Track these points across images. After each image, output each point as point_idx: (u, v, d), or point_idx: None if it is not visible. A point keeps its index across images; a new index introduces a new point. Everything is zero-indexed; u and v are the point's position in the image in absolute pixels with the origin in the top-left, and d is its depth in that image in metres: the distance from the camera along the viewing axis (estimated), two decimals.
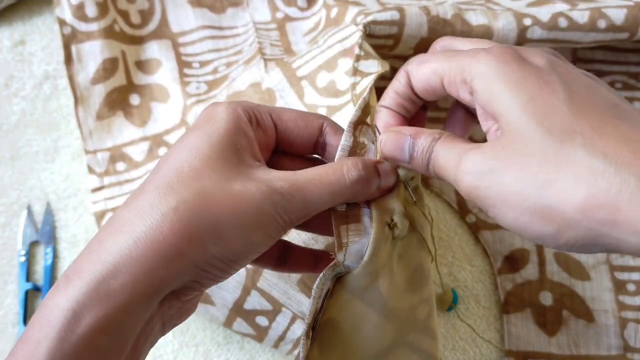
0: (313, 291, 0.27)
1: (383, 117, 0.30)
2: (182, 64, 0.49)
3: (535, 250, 0.44)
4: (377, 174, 0.28)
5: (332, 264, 0.27)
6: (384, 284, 0.28)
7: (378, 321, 0.28)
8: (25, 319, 0.42)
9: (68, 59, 0.47)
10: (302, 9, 0.51)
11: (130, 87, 0.48)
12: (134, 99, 0.48)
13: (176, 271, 0.22)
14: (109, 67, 0.47)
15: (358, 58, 0.36)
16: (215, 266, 0.23)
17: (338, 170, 0.26)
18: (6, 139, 0.48)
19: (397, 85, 0.30)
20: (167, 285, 0.23)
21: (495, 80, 0.24)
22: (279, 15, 0.51)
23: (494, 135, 0.25)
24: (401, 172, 0.30)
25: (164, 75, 0.49)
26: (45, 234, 0.45)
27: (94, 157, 0.46)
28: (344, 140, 0.29)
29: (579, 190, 0.20)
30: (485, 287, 0.44)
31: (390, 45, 0.41)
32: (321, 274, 0.27)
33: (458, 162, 0.25)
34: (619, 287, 0.43)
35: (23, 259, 0.44)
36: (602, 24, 0.41)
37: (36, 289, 0.43)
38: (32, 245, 0.45)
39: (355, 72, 0.34)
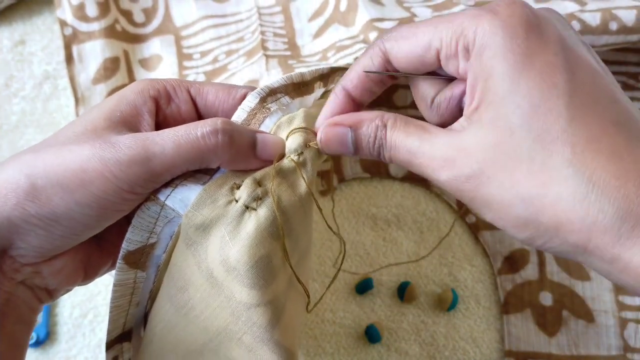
0: (131, 227, 0.25)
1: (332, 103, 0.26)
2: (183, 57, 0.49)
3: (535, 251, 0.44)
4: (249, 138, 0.25)
5: (150, 198, 0.24)
6: (213, 248, 0.24)
7: (205, 290, 0.25)
8: None
9: (69, 60, 0.47)
10: None
11: None
12: None
13: None
14: (110, 67, 0.47)
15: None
16: (35, 225, 0.23)
17: (193, 124, 0.24)
18: (6, 139, 0.48)
19: (368, 65, 0.26)
20: None
21: (498, 56, 0.21)
22: None
23: (476, 116, 0.22)
24: (292, 141, 0.26)
25: (164, 69, 0.48)
26: None
27: None
28: (247, 101, 0.26)
29: (558, 211, 0.20)
30: (485, 287, 0.44)
31: None
32: (138, 210, 0.25)
33: (426, 154, 0.23)
34: (619, 287, 0.43)
35: None
36: (613, 25, 0.41)
37: None
38: None
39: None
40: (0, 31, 0.51)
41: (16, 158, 0.24)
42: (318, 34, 0.47)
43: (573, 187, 0.20)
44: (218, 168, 0.25)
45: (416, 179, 0.47)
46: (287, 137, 0.26)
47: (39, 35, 0.51)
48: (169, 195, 0.24)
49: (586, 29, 0.41)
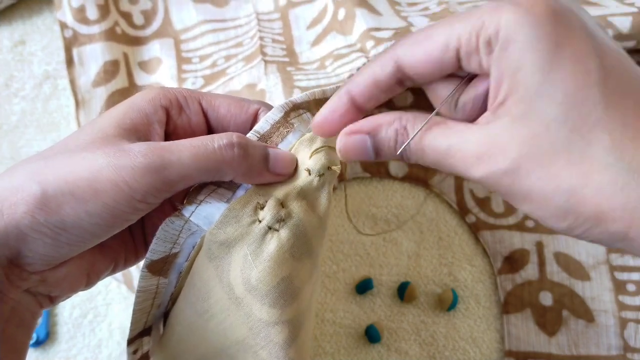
0: (155, 239, 0.25)
1: (334, 105, 0.25)
2: (182, 60, 0.49)
3: (536, 251, 0.44)
4: (262, 152, 0.25)
5: (175, 213, 0.25)
6: (235, 265, 0.25)
7: (226, 303, 0.26)
8: None
9: (69, 62, 0.47)
10: None
11: (132, 88, 0.48)
12: None
13: None
14: (110, 70, 0.47)
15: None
16: (43, 233, 0.23)
17: (209, 136, 0.24)
18: (6, 139, 0.48)
19: (379, 73, 0.24)
20: None
21: (526, 48, 0.21)
22: (282, 1, 0.50)
23: (503, 110, 0.22)
24: (315, 162, 0.26)
25: (164, 72, 0.49)
26: None
27: None
28: (272, 113, 0.27)
29: (600, 200, 0.20)
30: (485, 287, 0.44)
31: None
32: (163, 224, 0.25)
33: (457, 154, 0.22)
34: (619, 287, 0.43)
35: None
36: (609, 33, 0.41)
37: None
38: None
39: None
40: (0, 31, 0.51)
41: (24, 165, 0.24)
42: (316, 42, 0.48)
43: (614, 175, 0.20)
44: (240, 185, 0.26)
45: (416, 179, 0.47)
46: (311, 155, 0.26)
47: (39, 35, 0.51)
48: (193, 212, 0.25)
49: None
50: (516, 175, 0.21)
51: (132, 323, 0.27)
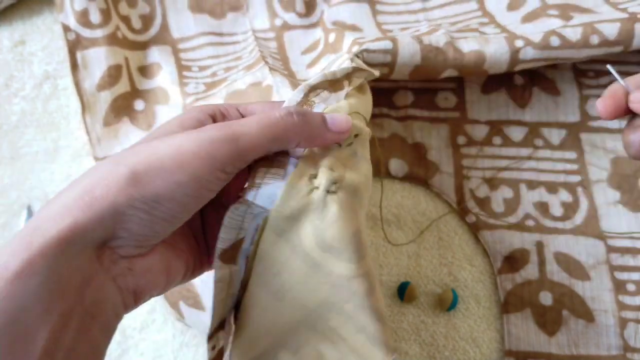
0: (223, 227, 0.27)
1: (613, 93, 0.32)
2: (182, 68, 0.50)
3: (536, 250, 0.44)
4: (320, 115, 0.28)
5: (238, 200, 0.27)
6: (306, 233, 0.28)
7: (302, 270, 0.28)
8: None
9: (74, 66, 0.47)
10: (300, 15, 0.51)
11: (134, 92, 0.48)
12: (139, 105, 0.48)
13: (93, 214, 0.23)
14: (113, 74, 0.47)
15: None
16: (138, 208, 0.24)
17: (272, 106, 0.27)
18: (6, 139, 0.48)
19: (616, 91, 0.31)
20: (86, 228, 0.23)
21: None
22: (278, 22, 0.51)
23: None
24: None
25: (164, 77, 0.49)
26: None
27: None
28: (293, 94, 0.30)
29: None
30: (485, 287, 0.44)
31: (386, 72, 0.42)
32: (228, 211, 0.27)
33: None
34: (619, 287, 0.43)
35: None
36: (594, 39, 0.41)
37: None
38: None
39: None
40: (0, 31, 0.51)
41: (102, 162, 0.25)
42: (311, 64, 0.49)
43: None
44: (289, 162, 0.28)
45: (416, 179, 0.47)
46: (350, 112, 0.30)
47: (39, 35, 0.51)
48: (255, 195, 0.27)
49: (566, 44, 0.41)
50: None
51: (213, 317, 0.28)
